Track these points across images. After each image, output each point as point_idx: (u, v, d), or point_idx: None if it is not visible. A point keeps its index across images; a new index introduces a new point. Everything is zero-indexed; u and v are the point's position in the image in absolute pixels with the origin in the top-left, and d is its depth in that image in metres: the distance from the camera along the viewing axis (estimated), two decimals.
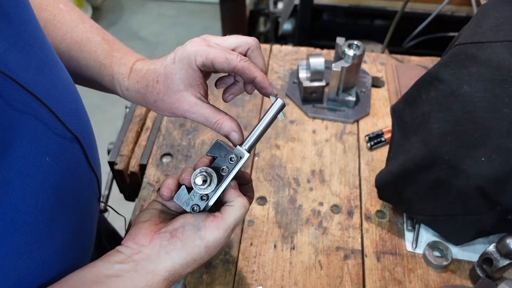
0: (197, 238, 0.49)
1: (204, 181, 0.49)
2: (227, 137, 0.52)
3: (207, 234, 0.49)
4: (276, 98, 0.52)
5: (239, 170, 0.53)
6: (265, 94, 0.52)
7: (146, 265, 0.48)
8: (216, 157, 0.52)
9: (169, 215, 0.55)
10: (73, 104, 0.50)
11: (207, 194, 0.51)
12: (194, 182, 0.49)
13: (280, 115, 0.53)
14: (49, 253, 0.46)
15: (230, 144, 0.54)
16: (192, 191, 0.52)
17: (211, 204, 0.52)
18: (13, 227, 0.41)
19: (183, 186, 0.52)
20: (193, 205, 0.51)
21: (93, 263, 0.48)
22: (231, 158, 0.51)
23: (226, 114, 0.53)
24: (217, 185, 0.50)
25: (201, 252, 0.49)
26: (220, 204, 0.53)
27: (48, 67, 0.47)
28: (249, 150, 0.52)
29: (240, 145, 0.52)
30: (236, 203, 0.51)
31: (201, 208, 0.51)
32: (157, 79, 0.54)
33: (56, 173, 0.45)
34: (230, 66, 0.50)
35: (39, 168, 0.43)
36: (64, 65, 0.57)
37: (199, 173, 0.49)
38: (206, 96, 0.54)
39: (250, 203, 0.57)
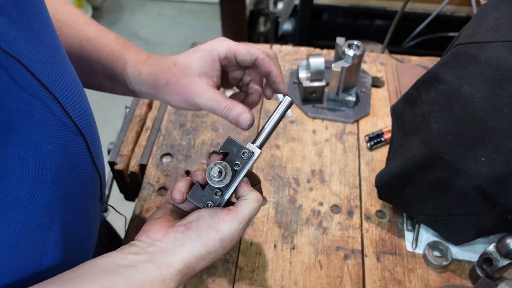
0: (212, 230, 0.49)
1: (220, 173, 0.49)
2: (237, 123, 0.53)
3: (222, 226, 0.49)
4: (285, 96, 0.54)
5: (250, 169, 0.54)
6: (277, 90, 0.55)
7: (161, 257, 0.48)
8: (228, 153, 0.52)
9: (182, 215, 0.55)
10: (78, 97, 0.51)
11: (221, 190, 0.52)
12: (210, 175, 0.50)
13: (288, 112, 0.55)
14: (48, 244, 0.46)
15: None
16: (206, 187, 0.52)
17: (226, 199, 0.53)
18: (12, 212, 0.41)
19: (197, 184, 0.53)
20: (207, 202, 0.52)
21: (107, 254, 0.48)
22: (243, 153, 0.52)
23: (237, 102, 0.54)
24: (231, 179, 0.51)
25: (216, 244, 0.49)
26: (232, 203, 0.53)
27: (57, 61, 0.47)
28: (260, 147, 0.53)
29: (252, 142, 0.53)
30: (250, 196, 0.51)
31: (215, 204, 0.52)
32: (176, 63, 0.56)
33: (57, 162, 0.45)
34: (252, 57, 0.53)
35: (40, 155, 0.43)
36: (75, 66, 0.57)
37: (214, 165, 0.49)
38: (218, 89, 0.56)
39: (260, 205, 0.58)
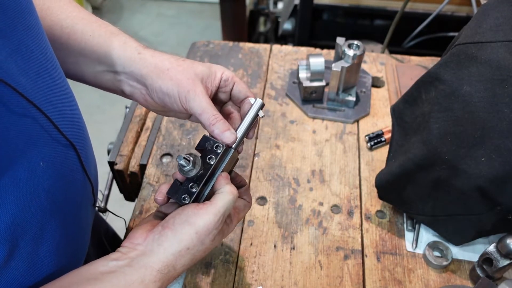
0: (187, 225, 0.49)
1: (187, 160, 0.50)
2: (220, 137, 0.54)
3: (196, 220, 0.49)
4: (256, 99, 0.57)
5: (231, 168, 0.56)
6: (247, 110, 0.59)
7: (140, 260, 0.48)
8: (203, 149, 0.54)
9: None
10: (69, 109, 0.51)
11: (197, 183, 0.52)
12: (179, 165, 0.51)
13: (260, 113, 0.57)
14: (42, 254, 0.47)
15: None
16: (183, 183, 0.53)
17: (206, 194, 0.54)
18: (8, 232, 0.41)
19: (175, 180, 0.54)
20: (183, 196, 0.52)
21: (91, 262, 0.49)
22: (217, 146, 0.53)
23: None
24: (202, 168, 0.52)
25: (192, 239, 0.49)
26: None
27: (47, 72, 0.47)
28: (235, 148, 0.55)
29: None
30: (224, 189, 0.52)
31: (191, 199, 0.52)
32: (184, 59, 0.58)
33: (50, 177, 0.45)
34: (246, 93, 0.58)
35: (33, 173, 0.43)
36: (64, 42, 0.57)
37: (182, 155, 0.51)
38: None
39: (249, 207, 0.59)
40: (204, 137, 0.54)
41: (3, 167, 0.40)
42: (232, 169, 0.57)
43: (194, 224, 0.49)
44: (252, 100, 0.57)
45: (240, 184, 0.58)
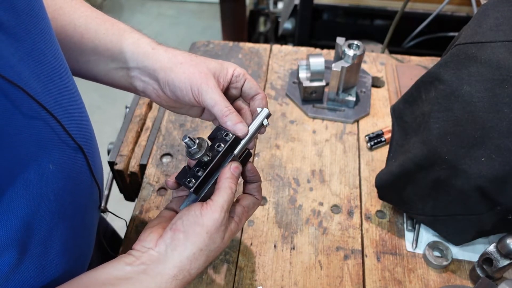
0: (197, 226, 0.50)
1: (192, 141, 0.51)
2: (232, 129, 0.54)
3: (205, 220, 0.50)
4: (263, 108, 0.58)
5: (250, 162, 0.57)
6: (258, 105, 0.59)
7: (155, 266, 0.48)
8: (214, 138, 0.55)
9: None
10: (78, 113, 0.51)
11: (203, 168, 0.53)
12: (185, 147, 0.52)
13: (265, 121, 0.58)
14: (50, 257, 0.47)
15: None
16: (191, 169, 0.54)
17: (211, 183, 0.54)
18: (18, 235, 0.41)
19: (184, 166, 0.56)
20: (189, 179, 0.53)
21: (104, 265, 0.49)
22: (226, 135, 0.54)
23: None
24: (210, 154, 0.53)
25: (204, 239, 0.50)
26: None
27: (58, 76, 0.47)
28: (237, 153, 0.56)
29: None
30: (222, 184, 0.53)
31: (197, 182, 0.52)
32: (196, 55, 0.59)
33: (59, 180, 0.46)
34: (257, 90, 0.59)
35: (43, 176, 0.43)
36: (77, 41, 0.58)
37: (188, 135, 0.52)
38: None
39: (258, 204, 0.59)
40: (217, 127, 0.56)
41: (15, 170, 0.40)
42: (246, 163, 0.59)
43: (204, 224, 0.50)
44: (259, 109, 0.58)
45: (253, 179, 0.59)
